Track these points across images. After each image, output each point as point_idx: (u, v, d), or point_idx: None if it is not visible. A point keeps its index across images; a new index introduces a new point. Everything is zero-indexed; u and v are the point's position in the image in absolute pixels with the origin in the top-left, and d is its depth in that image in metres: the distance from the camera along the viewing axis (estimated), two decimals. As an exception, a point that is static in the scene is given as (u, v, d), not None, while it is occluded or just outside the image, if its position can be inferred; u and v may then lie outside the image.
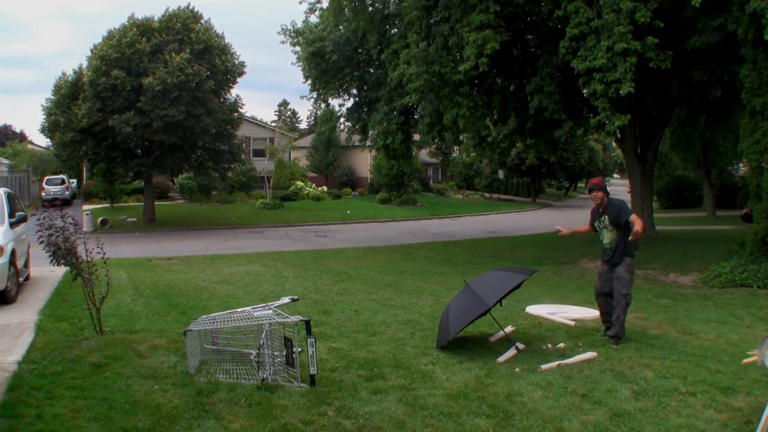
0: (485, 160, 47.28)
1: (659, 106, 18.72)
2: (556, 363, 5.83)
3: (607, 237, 6.86)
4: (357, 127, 24.59)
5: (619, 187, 74.79)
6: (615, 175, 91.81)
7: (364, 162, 46.59)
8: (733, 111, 19.82)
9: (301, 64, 23.36)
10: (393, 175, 40.71)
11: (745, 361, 5.54)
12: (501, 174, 55.05)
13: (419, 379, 5.43)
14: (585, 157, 50.23)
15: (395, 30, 19.01)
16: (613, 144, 47.78)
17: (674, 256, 16.20)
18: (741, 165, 37.84)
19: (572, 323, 7.70)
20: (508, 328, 7.13)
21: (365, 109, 23.57)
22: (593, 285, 12.40)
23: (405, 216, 35.35)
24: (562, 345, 6.56)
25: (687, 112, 20.14)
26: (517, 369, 5.69)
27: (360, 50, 20.74)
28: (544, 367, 5.74)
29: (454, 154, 43.25)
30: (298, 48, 23.53)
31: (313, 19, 22.83)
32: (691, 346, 6.71)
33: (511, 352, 6.19)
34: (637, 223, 6.50)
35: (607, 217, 6.84)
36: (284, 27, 24.43)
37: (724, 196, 37.87)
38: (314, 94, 24.13)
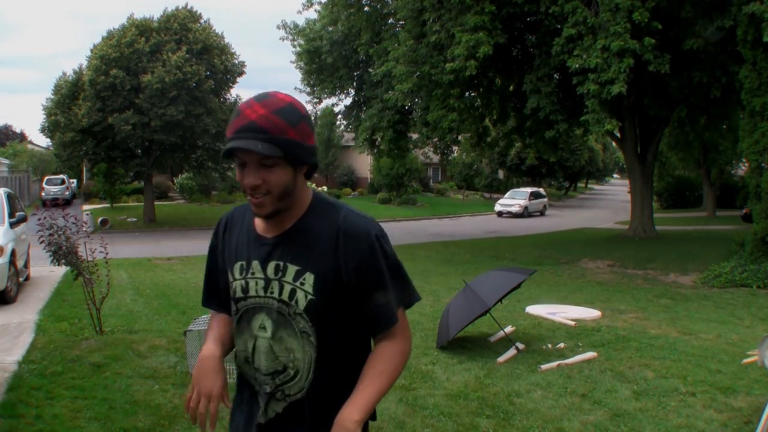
0: (485, 160, 47.24)
1: (659, 106, 18.73)
2: (556, 363, 5.82)
3: (276, 345, 1.73)
4: (352, 127, 24.54)
5: (619, 187, 74.81)
6: (615, 175, 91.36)
7: (364, 162, 46.54)
8: (732, 111, 19.83)
9: (296, 59, 23.41)
10: (393, 175, 40.65)
11: (745, 361, 5.53)
12: (501, 174, 55.01)
13: (419, 379, 5.42)
14: (585, 157, 50.22)
15: (392, 31, 18.96)
16: (613, 144, 47.80)
17: (674, 256, 16.21)
18: (741, 165, 37.84)
19: (572, 323, 7.70)
20: (508, 328, 7.12)
21: (364, 109, 23.53)
22: (593, 285, 12.48)
23: (405, 216, 35.32)
24: (562, 345, 6.56)
25: (687, 112, 20.20)
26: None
27: (358, 49, 20.65)
28: (544, 367, 5.73)
29: (454, 154, 43.26)
30: (297, 47, 23.58)
31: (311, 13, 23.00)
32: (691, 346, 6.71)
33: (511, 352, 6.19)
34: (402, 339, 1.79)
35: (301, 270, 1.71)
36: (284, 22, 24.48)
37: (724, 196, 37.83)
38: (307, 89, 24.10)
